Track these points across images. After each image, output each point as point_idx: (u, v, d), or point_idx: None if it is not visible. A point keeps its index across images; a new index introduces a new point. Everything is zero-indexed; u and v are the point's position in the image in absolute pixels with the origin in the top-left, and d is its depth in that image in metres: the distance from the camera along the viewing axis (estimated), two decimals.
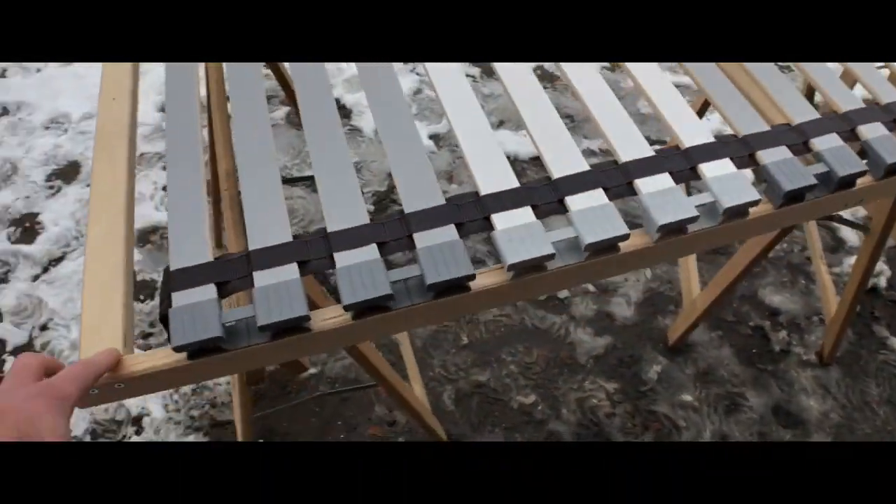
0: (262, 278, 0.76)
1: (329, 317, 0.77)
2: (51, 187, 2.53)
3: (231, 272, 0.78)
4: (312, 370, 1.98)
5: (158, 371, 0.73)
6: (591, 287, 2.17)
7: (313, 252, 0.79)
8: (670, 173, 0.89)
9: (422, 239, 0.81)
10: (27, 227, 2.40)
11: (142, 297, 2.15)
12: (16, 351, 2.06)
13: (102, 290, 0.78)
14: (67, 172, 2.58)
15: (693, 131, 0.95)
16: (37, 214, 2.43)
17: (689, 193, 0.88)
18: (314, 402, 1.92)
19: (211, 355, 0.73)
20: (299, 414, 1.90)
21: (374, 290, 0.74)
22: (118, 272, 0.80)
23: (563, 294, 2.15)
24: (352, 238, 0.80)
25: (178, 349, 0.72)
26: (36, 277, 2.24)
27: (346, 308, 0.75)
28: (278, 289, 0.75)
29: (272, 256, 0.78)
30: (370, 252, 0.79)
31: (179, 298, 0.75)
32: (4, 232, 2.38)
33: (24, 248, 2.32)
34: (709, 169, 0.90)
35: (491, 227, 0.83)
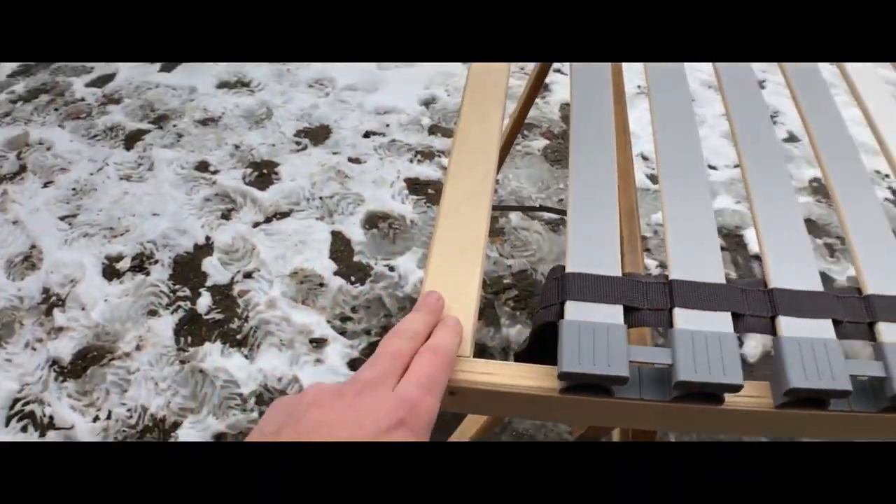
0: (685, 319, 0.56)
1: (748, 394, 0.55)
2: (297, 143, 2.48)
3: (641, 298, 0.58)
4: None
5: (512, 391, 0.54)
6: None
7: (752, 307, 0.58)
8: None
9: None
10: (264, 174, 2.35)
11: (352, 279, 2.03)
12: (213, 289, 1.98)
13: (452, 260, 0.61)
14: (317, 134, 2.53)
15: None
16: (277, 165, 2.38)
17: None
18: None
19: (593, 395, 0.54)
20: None
21: (832, 380, 0.53)
22: (477, 245, 0.62)
23: None
24: (803, 304, 0.58)
25: (563, 376, 0.53)
26: (257, 224, 2.17)
27: (788, 393, 0.53)
28: (708, 339, 0.54)
29: (699, 296, 0.58)
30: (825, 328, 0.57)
31: (574, 311, 0.56)
32: (241, 171, 2.35)
33: (255, 191, 2.27)
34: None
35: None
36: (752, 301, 0.60)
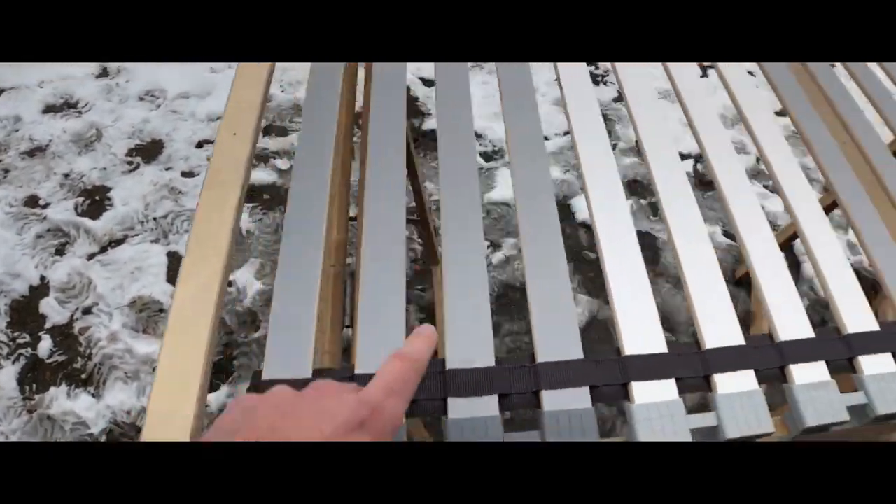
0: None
1: None
2: (129, 163, 2.46)
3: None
4: None
5: None
6: None
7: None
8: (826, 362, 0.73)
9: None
10: (96, 201, 2.33)
11: None
12: (53, 330, 1.98)
13: (178, 374, 0.64)
14: (149, 150, 2.51)
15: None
16: (109, 189, 2.36)
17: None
18: None
19: None
20: None
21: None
22: (198, 355, 0.64)
23: None
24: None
25: None
26: (92, 256, 2.16)
27: None
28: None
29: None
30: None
31: None
32: (73, 201, 2.32)
33: (87, 222, 2.25)
34: (869, 364, 0.73)
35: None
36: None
